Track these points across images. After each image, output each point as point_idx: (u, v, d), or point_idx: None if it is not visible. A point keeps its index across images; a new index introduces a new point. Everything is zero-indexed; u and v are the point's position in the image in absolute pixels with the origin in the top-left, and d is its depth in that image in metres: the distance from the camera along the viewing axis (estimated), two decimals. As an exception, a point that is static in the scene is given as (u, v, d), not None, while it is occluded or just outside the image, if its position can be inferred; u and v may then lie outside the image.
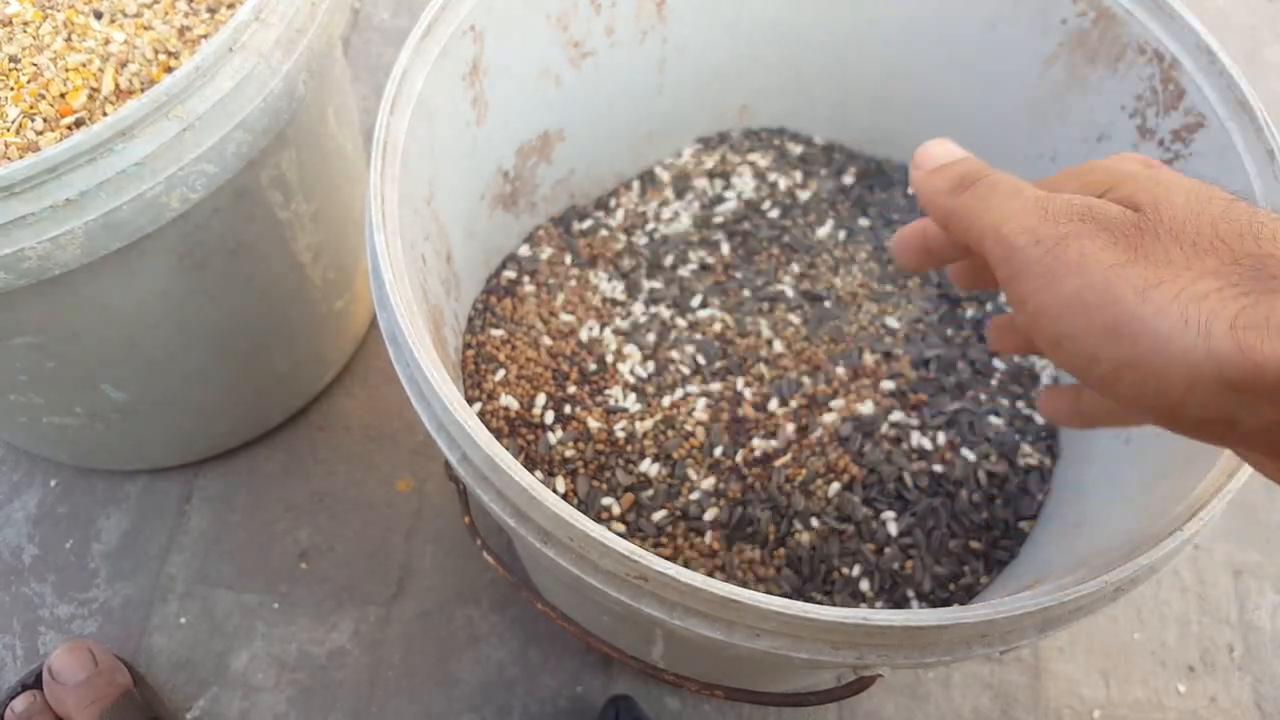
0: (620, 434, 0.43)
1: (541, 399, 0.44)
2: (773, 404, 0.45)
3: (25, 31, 0.43)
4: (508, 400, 0.44)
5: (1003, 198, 0.26)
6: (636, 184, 0.55)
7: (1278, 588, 0.63)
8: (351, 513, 0.63)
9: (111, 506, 0.63)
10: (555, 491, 0.41)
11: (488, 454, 0.30)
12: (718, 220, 0.52)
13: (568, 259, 0.51)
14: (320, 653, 0.58)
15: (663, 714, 0.57)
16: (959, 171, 0.28)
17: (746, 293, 0.49)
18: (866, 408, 0.45)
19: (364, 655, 0.58)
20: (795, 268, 0.50)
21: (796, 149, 0.55)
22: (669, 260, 0.51)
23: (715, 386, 0.45)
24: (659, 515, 0.41)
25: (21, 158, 0.39)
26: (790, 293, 0.49)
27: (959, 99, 0.51)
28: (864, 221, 0.52)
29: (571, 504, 0.40)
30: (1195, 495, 0.32)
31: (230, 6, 0.45)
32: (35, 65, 0.42)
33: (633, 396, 0.45)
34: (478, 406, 0.44)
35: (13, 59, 0.42)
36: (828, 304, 0.49)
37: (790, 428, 0.44)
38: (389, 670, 0.58)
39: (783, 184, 0.53)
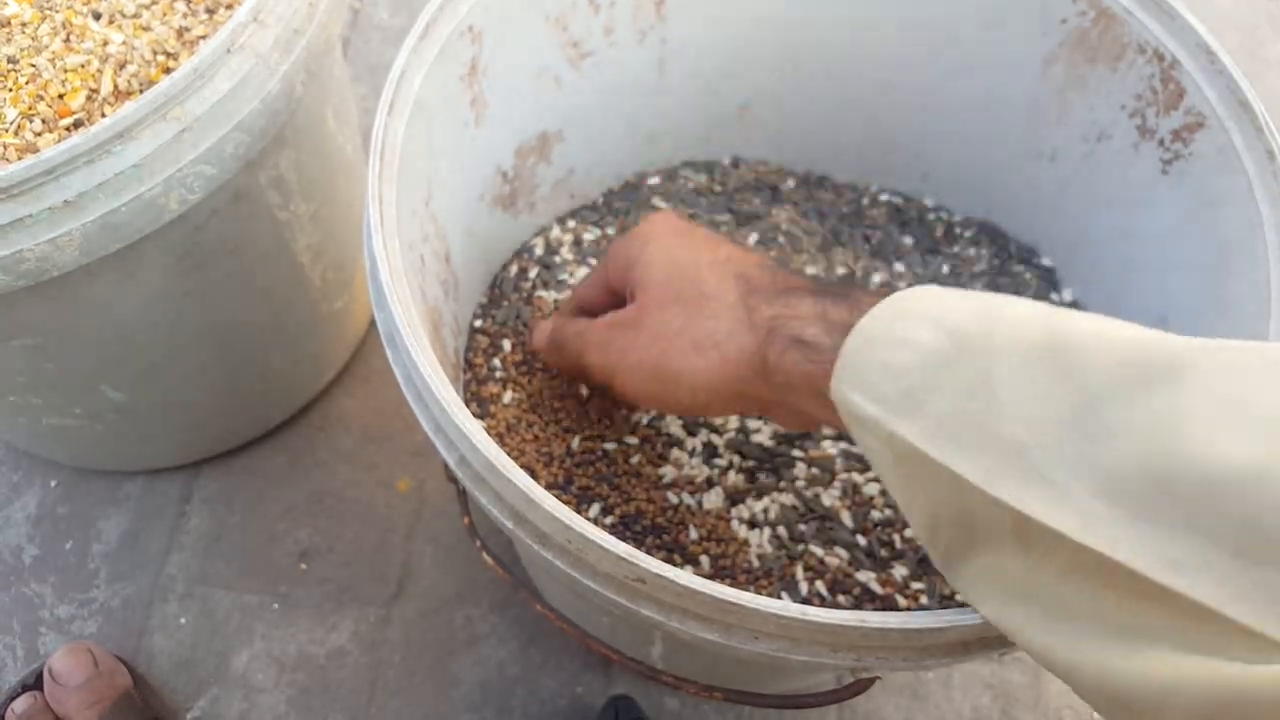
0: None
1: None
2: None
3: (24, 33, 0.43)
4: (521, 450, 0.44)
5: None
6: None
7: None
8: (351, 513, 0.63)
9: (111, 507, 0.63)
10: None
11: (485, 456, 0.30)
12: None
13: None
14: (320, 653, 0.58)
15: (662, 714, 0.57)
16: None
17: None
18: None
19: (364, 655, 0.58)
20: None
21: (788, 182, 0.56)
22: None
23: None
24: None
25: (20, 159, 0.39)
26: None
27: (959, 98, 0.51)
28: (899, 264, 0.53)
29: None
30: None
31: (229, 7, 0.45)
32: (34, 66, 0.42)
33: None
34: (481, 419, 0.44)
35: (11, 60, 0.42)
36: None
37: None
38: (389, 670, 0.58)
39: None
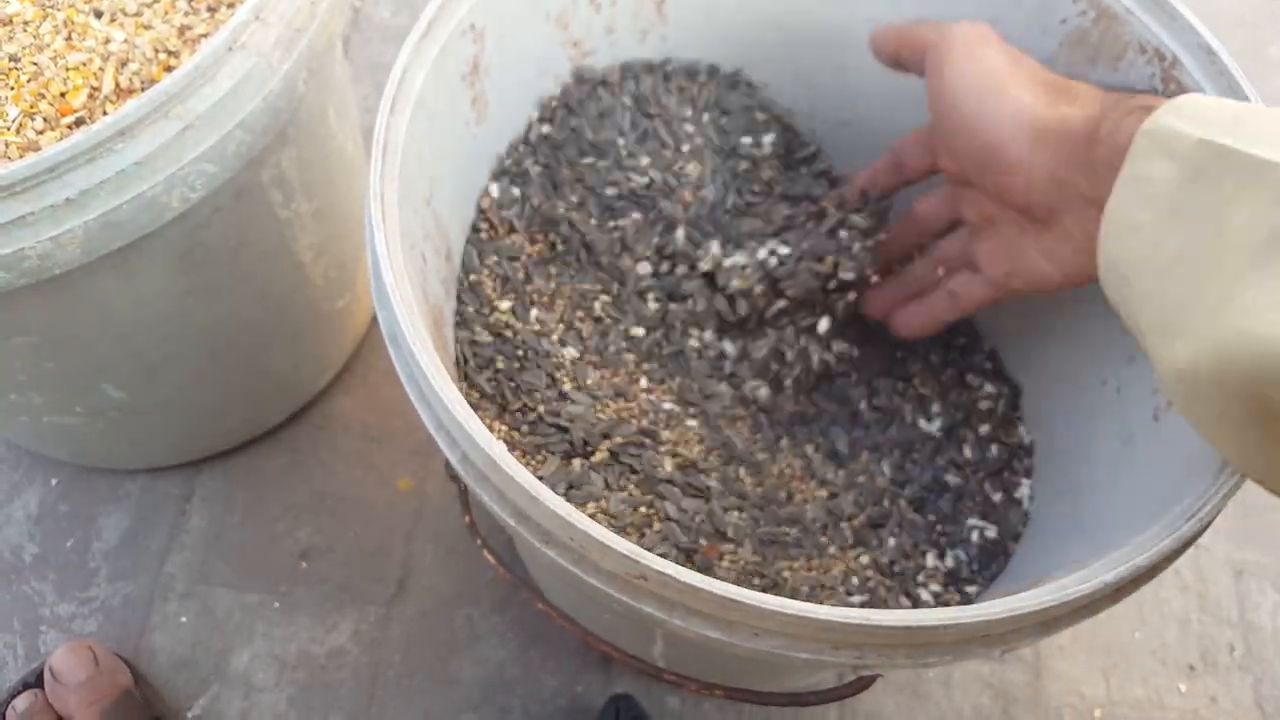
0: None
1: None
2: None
3: (25, 30, 0.43)
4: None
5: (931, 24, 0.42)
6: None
7: (1278, 587, 0.63)
8: (352, 512, 0.63)
9: (112, 505, 0.63)
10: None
11: (488, 454, 0.30)
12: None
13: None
14: (320, 652, 0.58)
15: (663, 713, 0.57)
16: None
17: None
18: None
19: (364, 655, 0.58)
20: None
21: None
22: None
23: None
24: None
25: (22, 157, 0.39)
26: None
27: (960, 98, 0.51)
28: None
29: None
30: (1195, 495, 0.32)
31: (230, 5, 0.45)
32: (35, 64, 0.42)
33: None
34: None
35: (13, 58, 0.42)
36: None
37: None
38: (389, 670, 0.58)
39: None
